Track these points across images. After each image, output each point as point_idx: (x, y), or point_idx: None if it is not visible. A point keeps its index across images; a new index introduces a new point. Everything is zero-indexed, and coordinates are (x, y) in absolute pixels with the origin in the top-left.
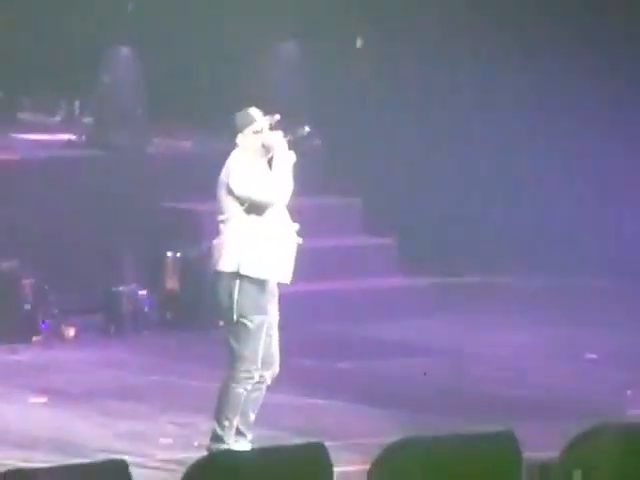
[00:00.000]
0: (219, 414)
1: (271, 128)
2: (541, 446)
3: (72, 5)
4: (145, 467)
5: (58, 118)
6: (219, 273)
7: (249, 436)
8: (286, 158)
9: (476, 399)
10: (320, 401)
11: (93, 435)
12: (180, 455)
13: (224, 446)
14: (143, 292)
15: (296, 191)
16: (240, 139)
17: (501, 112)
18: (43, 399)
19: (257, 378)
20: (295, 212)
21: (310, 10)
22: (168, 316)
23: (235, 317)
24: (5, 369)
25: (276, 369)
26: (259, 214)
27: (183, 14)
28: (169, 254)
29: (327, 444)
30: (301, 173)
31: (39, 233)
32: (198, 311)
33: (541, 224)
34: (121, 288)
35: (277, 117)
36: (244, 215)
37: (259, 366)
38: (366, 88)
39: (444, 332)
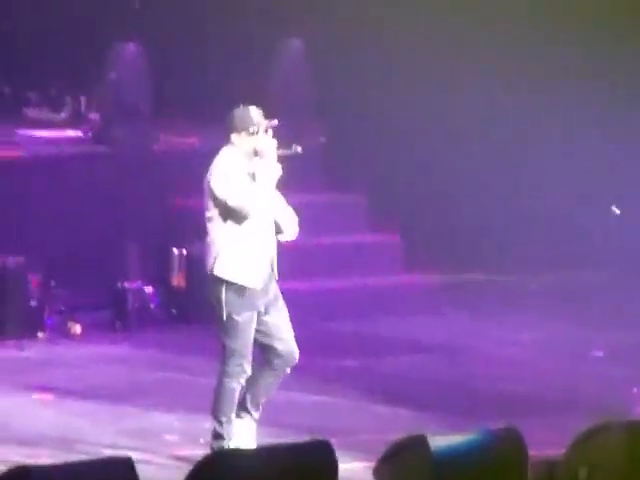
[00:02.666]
0: (216, 411)
1: (266, 132)
2: (547, 443)
3: (78, 0)
4: (151, 464)
5: (64, 114)
6: (207, 274)
7: (255, 415)
8: (273, 170)
9: (481, 396)
10: (326, 399)
11: (98, 432)
12: (186, 452)
13: (225, 443)
14: (149, 288)
15: (302, 188)
16: (235, 138)
17: (503, 110)
18: (48, 395)
19: (249, 372)
20: (300, 209)
21: (313, 5)
22: (174, 312)
23: (224, 315)
24: (11, 365)
25: (295, 357)
26: (237, 220)
27: (189, 10)
28: (175, 250)
29: (332, 442)
30: (306, 170)
31: (45, 229)
32: (203, 307)
33: (546, 219)
34: (127, 284)
35: (275, 122)
36: (224, 217)
37: (250, 360)
38: (372, 84)
39: (449, 329)
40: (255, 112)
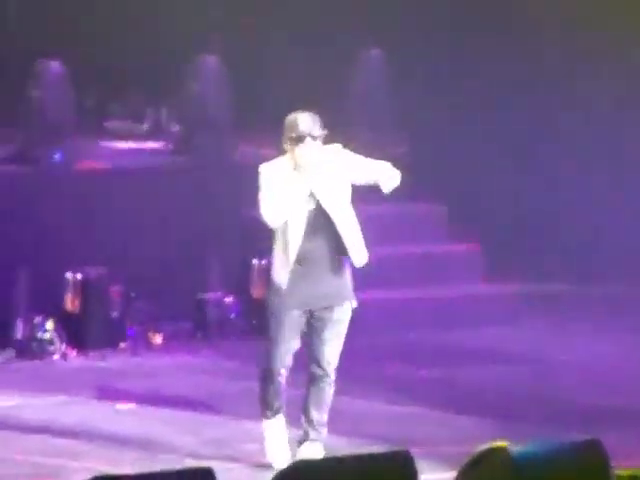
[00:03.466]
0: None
1: (317, 140)
2: (630, 456)
3: (159, 14)
4: (232, 473)
5: (145, 126)
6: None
7: (312, 434)
8: (308, 182)
9: (563, 407)
10: (405, 409)
11: (180, 441)
12: (266, 462)
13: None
14: (229, 299)
15: (381, 198)
16: (285, 146)
17: (589, 111)
18: (130, 405)
19: (281, 373)
20: (381, 218)
21: (391, 16)
22: (254, 323)
23: (272, 328)
24: (93, 375)
25: (330, 372)
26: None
27: (269, 22)
28: (255, 261)
29: (412, 452)
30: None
31: (126, 241)
32: None
33: (631, 230)
34: (207, 295)
35: (324, 132)
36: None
37: (284, 363)
38: (453, 94)
39: (530, 340)
40: (304, 120)
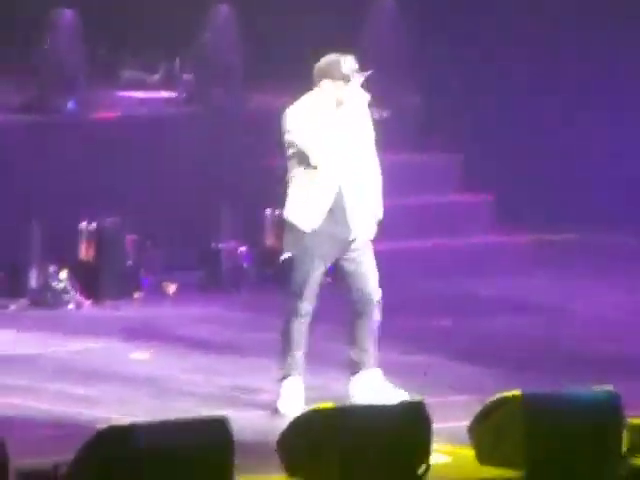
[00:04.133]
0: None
1: (358, 84)
2: None
3: None
4: (246, 422)
5: (158, 76)
6: (285, 219)
7: (371, 361)
8: (351, 122)
9: (577, 357)
10: (419, 358)
11: (194, 390)
12: (281, 411)
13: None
14: (243, 249)
15: (395, 147)
16: (324, 84)
17: (601, 62)
18: (145, 354)
19: (306, 310)
20: (394, 169)
21: None
22: (268, 272)
23: (301, 258)
24: (107, 324)
25: (375, 299)
26: (303, 160)
27: None
28: (268, 211)
29: (427, 401)
30: (400, 129)
31: (141, 190)
32: None
33: None
34: (221, 245)
35: (367, 74)
36: (293, 156)
37: (311, 301)
38: (465, 42)
39: (543, 290)
40: (349, 61)
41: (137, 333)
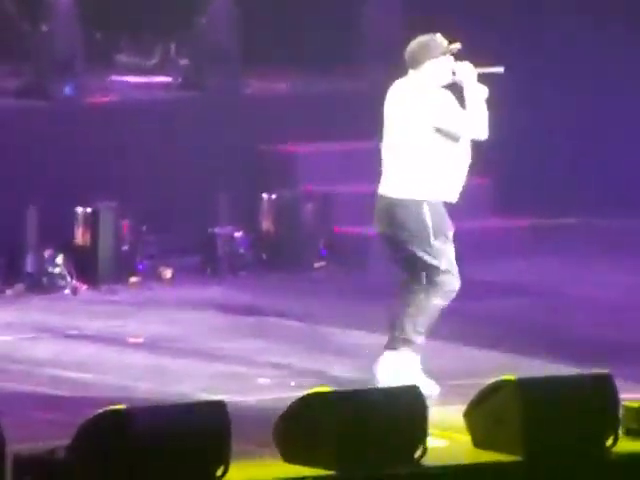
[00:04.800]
0: (414, 324)
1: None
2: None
3: None
4: (243, 407)
5: (154, 60)
6: (401, 200)
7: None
8: (480, 90)
9: (574, 341)
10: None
11: (191, 375)
12: (278, 395)
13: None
14: (239, 233)
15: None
16: (429, 65)
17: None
18: (140, 339)
19: (455, 286)
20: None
21: None
22: (264, 257)
23: (432, 238)
24: (103, 309)
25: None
26: (448, 143)
27: None
28: (264, 196)
29: None
30: None
31: (136, 174)
32: (294, 252)
33: None
34: (217, 229)
35: (458, 46)
36: (432, 143)
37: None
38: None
39: (543, 273)
40: (439, 37)
41: (133, 318)
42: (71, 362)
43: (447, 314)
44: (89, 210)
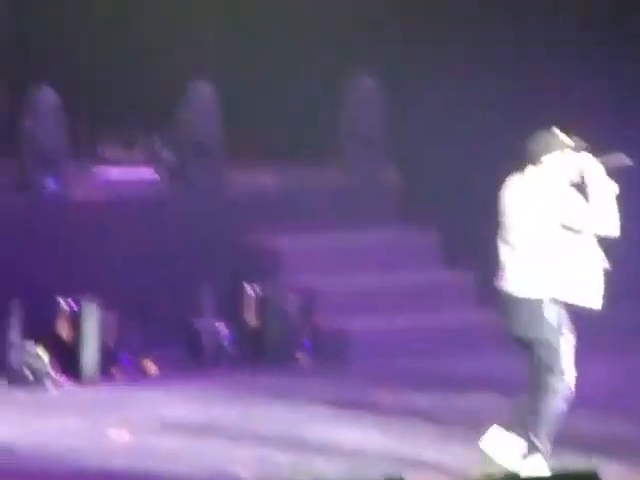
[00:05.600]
0: (537, 427)
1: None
2: None
3: (150, 40)
4: None
5: (138, 154)
6: (521, 299)
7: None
8: (607, 183)
9: (562, 436)
10: (399, 436)
11: (175, 470)
12: None
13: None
14: (222, 326)
15: (373, 222)
16: (548, 160)
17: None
18: (125, 434)
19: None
20: (373, 247)
21: (386, 41)
22: (248, 350)
23: (551, 335)
24: (87, 405)
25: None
26: (570, 240)
27: (263, 48)
28: (248, 288)
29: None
30: (379, 205)
31: (119, 269)
32: (277, 345)
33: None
34: (201, 322)
35: (583, 145)
36: (555, 238)
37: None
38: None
39: (525, 367)
40: (557, 131)
41: (117, 413)
42: (53, 459)
43: (428, 408)
44: (72, 305)
